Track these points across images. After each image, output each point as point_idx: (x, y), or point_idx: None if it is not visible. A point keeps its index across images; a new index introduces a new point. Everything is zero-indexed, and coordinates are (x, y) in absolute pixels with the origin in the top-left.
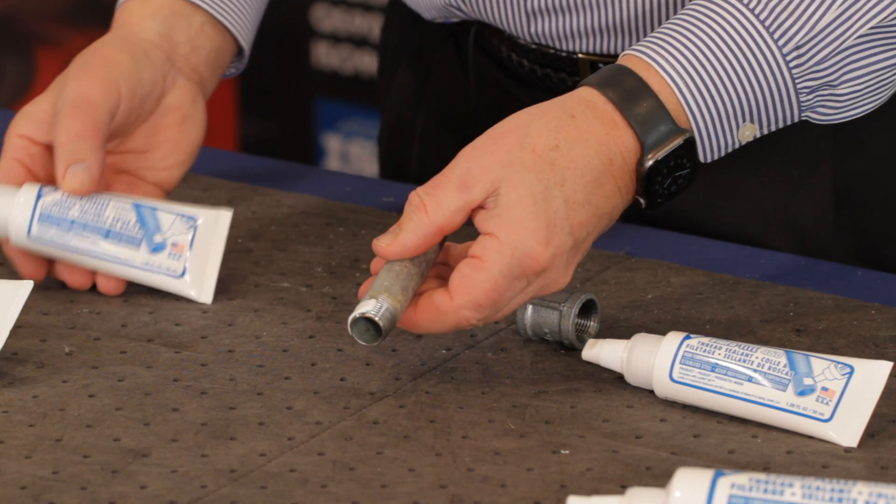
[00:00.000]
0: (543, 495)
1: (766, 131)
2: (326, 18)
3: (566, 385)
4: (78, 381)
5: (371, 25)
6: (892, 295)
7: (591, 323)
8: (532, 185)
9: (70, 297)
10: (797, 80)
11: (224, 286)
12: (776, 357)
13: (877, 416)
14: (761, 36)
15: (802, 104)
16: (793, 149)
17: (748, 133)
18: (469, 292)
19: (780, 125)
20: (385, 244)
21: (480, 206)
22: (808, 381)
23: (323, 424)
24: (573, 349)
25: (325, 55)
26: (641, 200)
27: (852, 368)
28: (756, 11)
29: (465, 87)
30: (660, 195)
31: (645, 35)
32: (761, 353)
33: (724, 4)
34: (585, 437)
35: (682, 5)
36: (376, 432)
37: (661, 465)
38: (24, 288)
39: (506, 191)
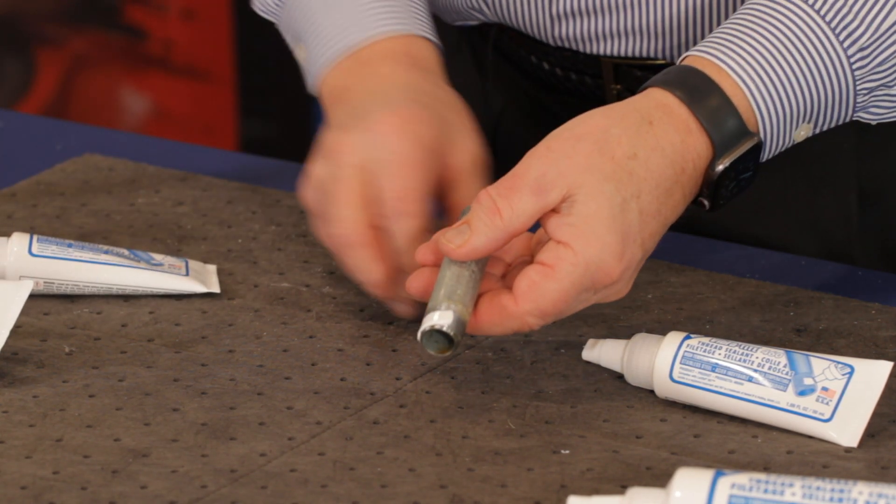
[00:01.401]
0: (543, 495)
1: (818, 131)
2: None
3: (566, 385)
4: (78, 381)
5: None
6: (892, 295)
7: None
8: (611, 196)
9: (70, 297)
10: (858, 81)
11: (224, 286)
12: (776, 357)
13: (877, 416)
14: (827, 37)
15: (858, 104)
16: (816, 149)
17: (803, 133)
18: (536, 300)
19: (833, 125)
20: (455, 245)
21: (553, 210)
22: (808, 381)
23: (323, 424)
24: (572, 349)
25: None
26: (705, 202)
27: (852, 368)
28: (821, 12)
29: (483, 90)
30: (724, 197)
31: (672, 37)
32: (761, 353)
33: (787, 4)
34: (585, 437)
35: (711, 8)
36: (376, 432)
37: (662, 465)
38: (24, 288)
39: (583, 199)
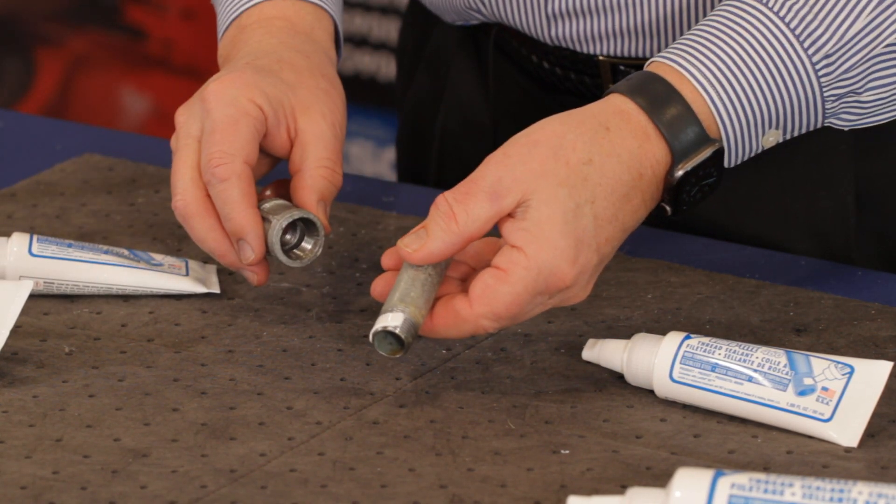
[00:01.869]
0: (543, 495)
1: (788, 136)
2: None
3: (566, 385)
4: (78, 381)
5: (371, 25)
6: (892, 295)
7: (308, 246)
8: (564, 201)
9: (70, 297)
10: (825, 88)
11: (224, 286)
12: (776, 357)
13: (877, 416)
14: (791, 44)
15: (827, 111)
16: (814, 152)
17: (772, 139)
18: (490, 303)
19: (804, 131)
20: (412, 249)
21: (509, 215)
22: (808, 381)
23: (323, 424)
24: (572, 349)
25: None
26: (667, 208)
27: (852, 368)
28: (786, 19)
29: (484, 89)
30: (686, 203)
31: (667, 38)
32: (761, 353)
33: (752, 11)
34: (585, 437)
35: (704, 8)
36: (376, 432)
37: (661, 465)
38: (24, 288)
39: (537, 204)
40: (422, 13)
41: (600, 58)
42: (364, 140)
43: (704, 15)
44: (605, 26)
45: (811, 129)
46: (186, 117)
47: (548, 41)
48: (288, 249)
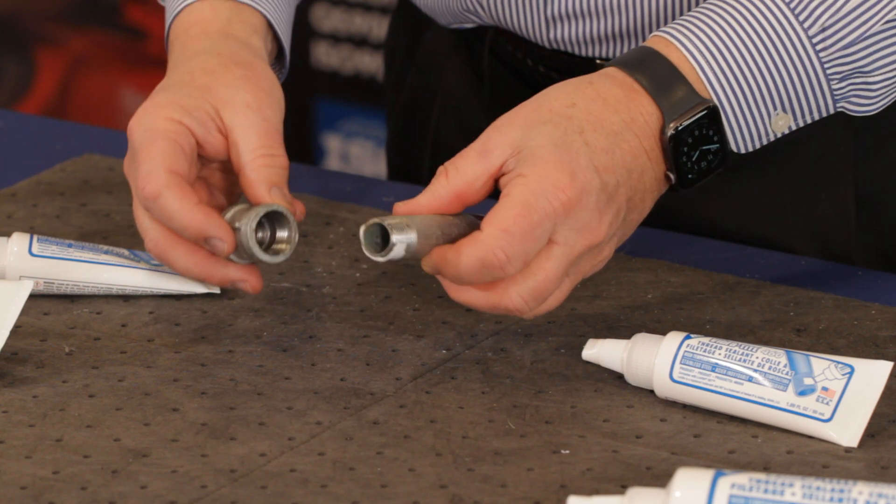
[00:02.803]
0: (543, 495)
1: (801, 123)
2: (326, 18)
3: (566, 385)
4: (78, 381)
5: (371, 25)
6: (892, 295)
7: (284, 234)
8: (551, 132)
9: (70, 297)
10: (826, 66)
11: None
12: (776, 357)
13: (877, 416)
14: (786, 17)
15: (835, 93)
16: (813, 151)
17: (782, 123)
18: (496, 220)
19: (816, 116)
20: (402, 203)
21: (503, 173)
22: (808, 381)
23: (323, 424)
24: (572, 349)
25: (325, 55)
26: (671, 175)
27: (852, 368)
28: None
29: (478, 93)
30: (689, 170)
31: None
32: (761, 353)
33: None
34: (585, 437)
35: None
36: (376, 432)
37: (662, 465)
38: (24, 288)
39: (526, 143)
40: (412, 14)
41: (598, 61)
42: (364, 140)
43: None
44: (604, 28)
45: (823, 113)
46: (127, 166)
47: (546, 44)
48: (266, 247)
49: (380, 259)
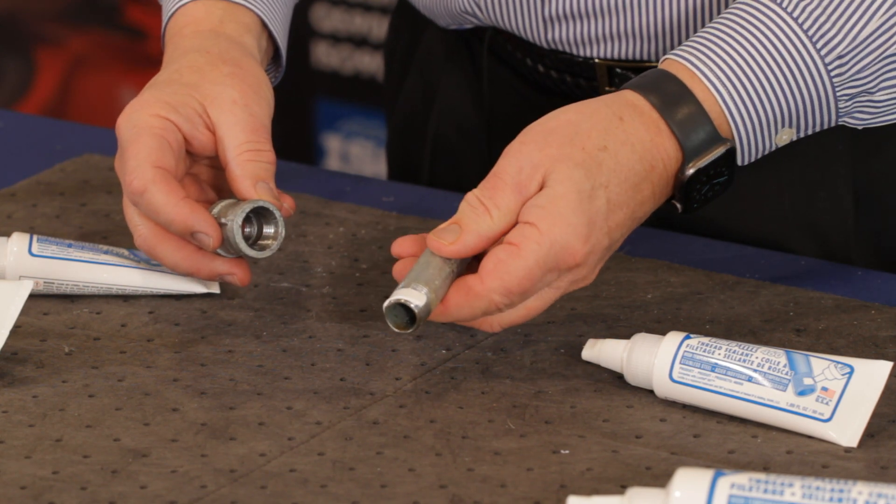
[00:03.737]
0: (543, 495)
1: (802, 135)
2: (326, 18)
3: (566, 385)
4: (78, 381)
5: (371, 25)
6: (892, 295)
7: (270, 230)
8: (580, 181)
9: (70, 297)
10: (837, 88)
11: (224, 286)
12: (776, 357)
13: (877, 416)
14: (804, 45)
15: (840, 110)
16: (812, 151)
17: (785, 137)
18: (502, 278)
19: (817, 129)
20: (448, 242)
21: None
22: (808, 381)
23: (323, 424)
24: (572, 349)
25: (325, 55)
26: (678, 205)
27: (852, 368)
28: (799, 20)
29: (477, 93)
30: (696, 201)
31: (665, 41)
32: (761, 353)
33: (766, 11)
34: (585, 437)
35: (703, 11)
36: (376, 432)
37: (661, 465)
38: (24, 288)
39: (552, 183)
40: (411, 15)
41: (596, 61)
42: (364, 140)
43: (703, 18)
44: (602, 29)
45: (825, 127)
46: (117, 164)
47: (544, 44)
48: (252, 243)
49: (408, 332)
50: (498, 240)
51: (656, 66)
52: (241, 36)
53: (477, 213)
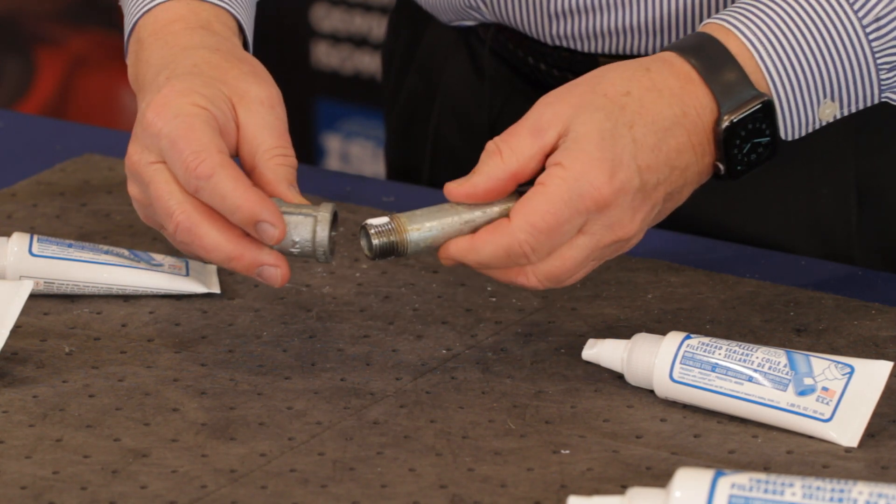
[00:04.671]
0: (543, 495)
1: (846, 112)
2: (326, 18)
3: (566, 385)
4: (78, 381)
5: (371, 25)
6: (892, 295)
7: (333, 233)
8: (601, 122)
9: (70, 297)
10: (877, 55)
11: (224, 286)
12: (776, 357)
13: (877, 416)
14: (841, 7)
15: (882, 83)
16: (814, 150)
17: (829, 111)
18: (527, 214)
19: (861, 105)
20: (458, 184)
21: (553, 148)
22: (808, 381)
23: (323, 424)
24: (572, 349)
25: (325, 55)
26: (720, 166)
27: (852, 368)
28: None
29: (479, 91)
30: (739, 162)
31: (669, 35)
32: (761, 353)
33: None
34: (585, 437)
35: (708, 4)
36: (376, 432)
37: (662, 465)
38: (24, 288)
39: (575, 126)
40: (411, 13)
41: (600, 58)
42: (364, 140)
43: (709, 11)
44: (606, 24)
45: (868, 103)
46: (139, 153)
47: (548, 40)
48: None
49: (371, 257)
50: (516, 182)
51: None
52: (232, 37)
53: (489, 156)
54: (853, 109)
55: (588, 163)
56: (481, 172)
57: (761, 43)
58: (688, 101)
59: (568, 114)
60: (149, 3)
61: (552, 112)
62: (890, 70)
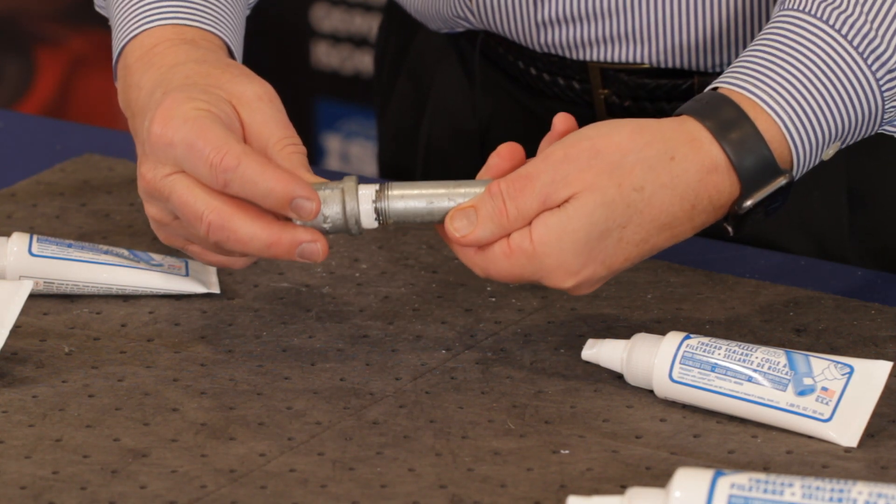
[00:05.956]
0: (543, 495)
1: (844, 146)
2: (326, 18)
3: (566, 385)
4: (78, 381)
5: (371, 25)
6: (892, 295)
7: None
8: (596, 221)
9: (70, 297)
10: (887, 101)
11: (224, 286)
12: (776, 357)
13: (877, 416)
14: (856, 62)
15: (884, 121)
16: None
17: (831, 151)
18: (486, 266)
19: (859, 139)
20: (461, 234)
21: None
22: (807, 381)
23: (323, 424)
24: (571, 349)
25: (325, 55)
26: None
27: (852, 368)
28: (848, 37)
29: (470, 96)
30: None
31: (657, 43)
32: (761, 353)
33: (812, 29)
34: (585, 437)
35: (695, 13)
36: (376, 432)
37: (661, 465)
38: (23, 288)
39: (572, 211)
40: (402, 18)
41: (589, 64)
42: (364, 140)
43: (696, 19)
44: (595, 33)
45: (865, 137)
46: (152, 170)
47: (537, 48)
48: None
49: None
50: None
51: (660, 68)
52: (216, 51)
53: (496, 211)
54: (851, 143)
55: (557, 264)
56: (485, 227)
57: (791, 120)
58: (703, 192)
59: (577, 188)
60: (134, 29)
61: (565, 182)
62: (893, 111)
